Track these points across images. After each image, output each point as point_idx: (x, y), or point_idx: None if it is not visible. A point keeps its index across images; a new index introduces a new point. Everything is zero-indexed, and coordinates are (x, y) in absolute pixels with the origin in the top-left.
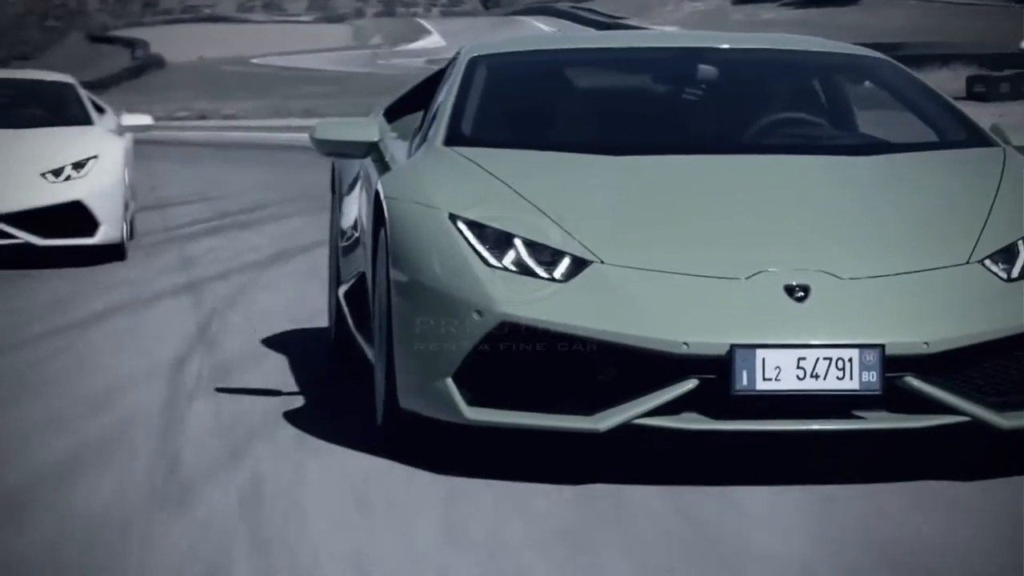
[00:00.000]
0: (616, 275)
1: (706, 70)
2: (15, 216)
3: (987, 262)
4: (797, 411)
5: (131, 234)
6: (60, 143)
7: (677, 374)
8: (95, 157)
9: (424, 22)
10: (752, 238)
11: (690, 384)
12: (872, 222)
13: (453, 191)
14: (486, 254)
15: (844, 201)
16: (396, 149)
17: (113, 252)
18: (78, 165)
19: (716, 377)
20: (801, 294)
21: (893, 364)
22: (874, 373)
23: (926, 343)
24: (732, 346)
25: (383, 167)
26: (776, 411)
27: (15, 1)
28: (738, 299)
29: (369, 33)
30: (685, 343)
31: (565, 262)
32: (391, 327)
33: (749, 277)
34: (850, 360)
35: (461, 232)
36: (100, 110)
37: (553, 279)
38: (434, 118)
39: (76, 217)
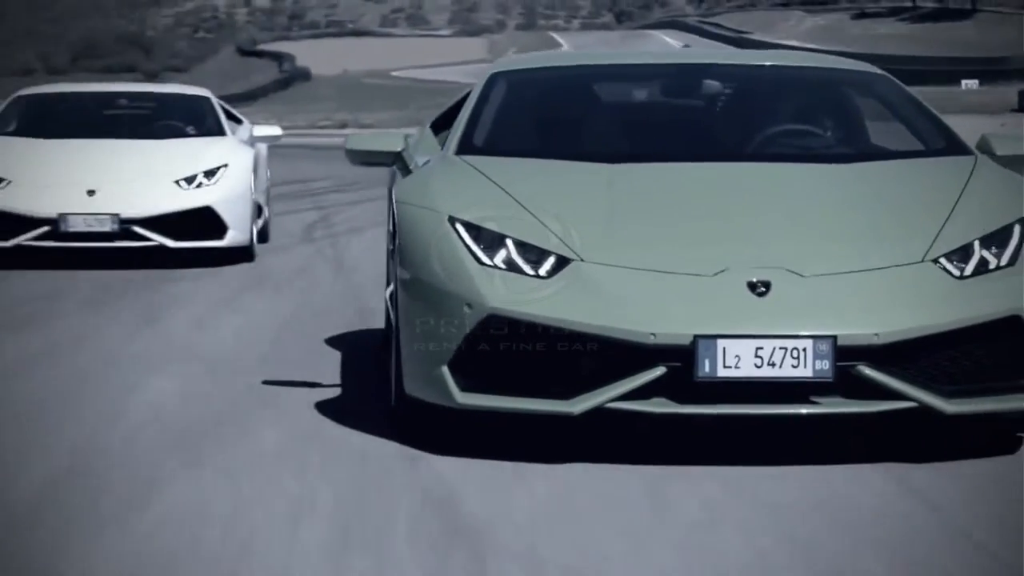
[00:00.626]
0: (594, 272)
1: (710, 85)
2: (151, 220)
3: (942, 260)
4: (756, 396)
5: (266, 237)
6: (194, 153)
7: (646, 362)
8: (225, 166)
9: (557, 36)
10: (722, 238)
11: (658, 372)
12: (837, 223)
13: (455, 196)
14: (480, 253)
15: (814, 204)
16: (419, 158)
17: (241, 254)
18: (209, 173)
19: (681, 365)
20: (763, 289)
21: (845, 354)
22: (827, 362)
23: (876, 334)
24: (695, 337)
25: (405, 175)
26: (737, 396)
27: (167, 14)
28: (703, 294)
29: (504, 47)
30: (653, 334)
31: (550, 260)
32: (399, 320)
33: (715, 274)
34: (804, 350)
35: (459, 233)
36: (237, 120)
37: (538, 276)
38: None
39: (206, 221)
